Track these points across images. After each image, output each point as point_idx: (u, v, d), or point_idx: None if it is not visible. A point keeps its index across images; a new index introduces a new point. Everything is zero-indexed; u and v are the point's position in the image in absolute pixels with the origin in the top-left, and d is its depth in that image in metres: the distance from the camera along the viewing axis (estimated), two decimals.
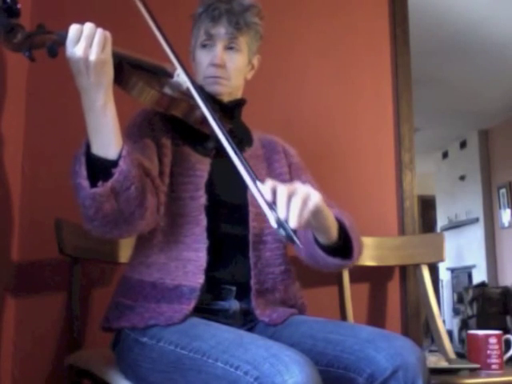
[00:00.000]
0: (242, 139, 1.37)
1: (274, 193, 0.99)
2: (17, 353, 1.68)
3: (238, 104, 1.38)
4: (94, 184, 1.02)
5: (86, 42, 0.99)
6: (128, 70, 1.12)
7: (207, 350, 1.01)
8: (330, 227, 1.16)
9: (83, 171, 1.02)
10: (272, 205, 0.98)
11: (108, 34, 1.03)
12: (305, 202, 1.00)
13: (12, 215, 1.67)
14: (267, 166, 1.38)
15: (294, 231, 0.97)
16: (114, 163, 1.03)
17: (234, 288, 1.23)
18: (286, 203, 0.98)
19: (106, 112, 1.03)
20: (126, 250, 1.62)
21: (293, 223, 0.96)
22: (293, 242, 0.96)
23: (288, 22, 2.06)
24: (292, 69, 2.06)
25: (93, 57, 0.99)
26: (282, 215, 0.97)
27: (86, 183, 1.01)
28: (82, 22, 1.01)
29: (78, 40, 0.99)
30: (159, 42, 1.19)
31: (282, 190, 0.99)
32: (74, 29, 1.00)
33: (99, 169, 1.03)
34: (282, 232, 0.96)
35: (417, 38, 2.32)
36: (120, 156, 1.03)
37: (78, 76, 1.01)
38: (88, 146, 1.04)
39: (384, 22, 2.17)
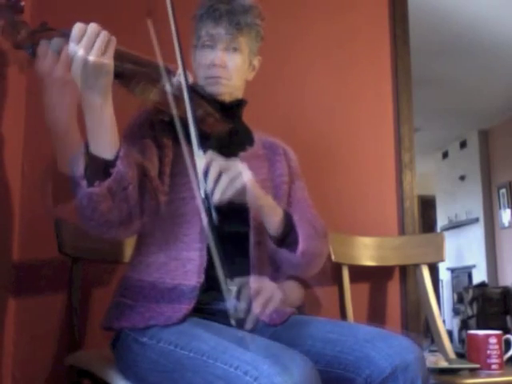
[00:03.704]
0: (243, 139, 1.37)
1: (209, 164, 1.07)
2: (17, 353, 1.68)
3: (239, 104, 1.38)
4: (91, 183, 1.02)
5: (88, 42, 0.99)
6: (130, 69, 1.12)
7: (207, 350, 1.01)
8: (263, 208, 1.21)
9: (81, 170, 1.03)
10: (204, 176, 1.06)
11: (113, 38, 1.03)
12: (232, 179, 1.08)
13: (12, 215, 1.67)
14: (268, 166, 1.38)
15: (217, 207, 1.05)
16: (111, 163, 1.04)
17: (234, 288, 1.23)
18: (214, 178, 1.06)
19: (103, 114, 1.03)
20: (126, 250, 1.62)
21: (215, 198, 1.05)
22: (210, 215, 1.05)
23: (288, 23, 2.05)
24: (292, 69, 2.06)
25: (92, 57, 0.99)
26: (208, 188, 1.05)
27: (83, 182, 1.02)
28: (83, 21, 1.01)
29: (80, 38, 0.99)
30: (172, 39, 1.18)
31: (215, 165, 1.07)
32: (78, 27, 1.00)
33: (97, 168, 1.04)
34: (205, 204, 1.06)
35: (417, 38, 2.32)
36: (117, 156, 1.04)
37: (77, 75, 1.01)
38: (87, 146, 1.04)
39: (384, 22, 2.17)
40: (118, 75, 1.08)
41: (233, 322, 1.05)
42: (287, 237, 1.23)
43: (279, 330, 1.22)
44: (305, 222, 1.26)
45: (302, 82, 2.06)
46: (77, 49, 0.99)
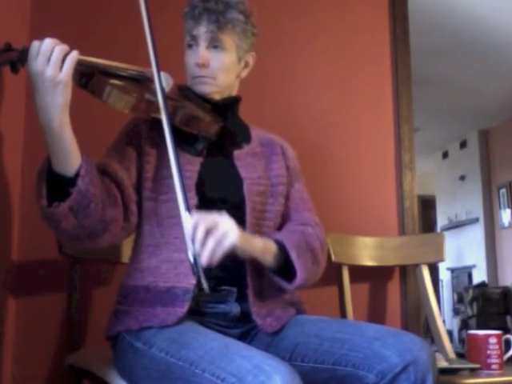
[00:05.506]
0: (236, 138, 1.36)
1: (195, 227, 1.04)
2: (17, 353, 1.68)
3: (231, 102, 1.36)
4: (51, 203, 1.04)
5: (43, 57, 0.99)
6: (101, 80, 1.11)
7: (195, 359, 1.02)
8: (257, 256, 1.19)
9: (43, 190, 1.05)
10: (192, 238, 1.04)
11: (73, 54, 1.02)
12: (220, 241, 1.05)
13: (12, 215, 1.67)
14: (265, 164, 1.36)
15: (206, 268, 1.03)
16: (72, 181, 1.05)
17: (234, 289, 1.23)
18: (201, 242, 1.03)
19: (62, 132, 1.03)
20: (126, 250, 1.61)
21: (204, 261, 1.02)
22: (199, 281, 1.03)
23: (287, 23, 2.06)
24: (291, 69, 2.05)
25: (49, 72, 0.99)
26: (196, 250, 1.03)
27: (43, 202, 1.04)
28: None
29: (36, 55, 0.99)
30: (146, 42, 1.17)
31: (202, 225, 1.03)
32: (34, 44, 1.00)
33: (60, 185, 1.05)
34: (194, 269, 1.03)
35: (417, 38, 2.32)
36: (78, 175, 1.05)
37: (35, 93, 1.01)
38: (49, 162, 1.06)
39: (384, 22, 2.17)
40: (89, 87, 1.09)
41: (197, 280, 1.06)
42: (283, 269, 1.22)
43: (284, 331, 1.23)
44: (303, 248, 1.25)
45: (301, 82, 2.06)
46: (34, 64, 0.99)
